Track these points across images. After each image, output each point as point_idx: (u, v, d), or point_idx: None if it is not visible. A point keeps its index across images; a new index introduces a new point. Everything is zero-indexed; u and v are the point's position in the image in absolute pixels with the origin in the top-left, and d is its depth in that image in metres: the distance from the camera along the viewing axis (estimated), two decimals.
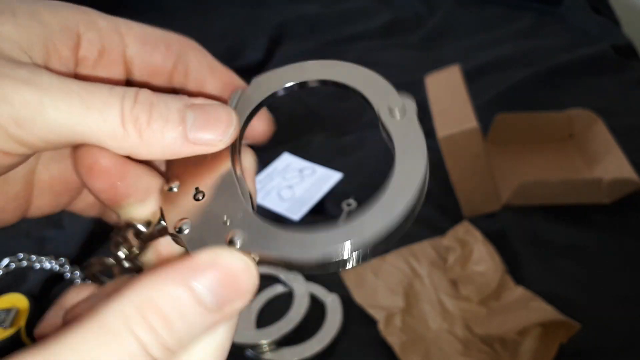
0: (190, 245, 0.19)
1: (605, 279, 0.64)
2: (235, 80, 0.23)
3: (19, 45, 0.19)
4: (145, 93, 0.19)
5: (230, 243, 0.19)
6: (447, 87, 0.76)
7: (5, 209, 0.23)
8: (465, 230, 0.67)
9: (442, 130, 0.69)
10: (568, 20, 1.15)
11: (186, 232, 0.20)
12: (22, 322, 0.59)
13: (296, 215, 0.75)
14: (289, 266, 0.19)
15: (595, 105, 0.82)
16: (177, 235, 0.20)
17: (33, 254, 0.64)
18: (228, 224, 0.20)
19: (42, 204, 0.25)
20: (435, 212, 0.74)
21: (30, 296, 0.61)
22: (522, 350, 0.55)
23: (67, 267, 0.64)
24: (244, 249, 0.19)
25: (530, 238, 0.69)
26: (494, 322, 0.58)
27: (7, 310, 0.59)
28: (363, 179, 0.81)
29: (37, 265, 0.64)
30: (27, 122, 0.17)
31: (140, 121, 0.18)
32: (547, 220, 0.71)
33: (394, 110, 0.22)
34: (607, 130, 0.77)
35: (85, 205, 0.26)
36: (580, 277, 0.64)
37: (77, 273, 0.64)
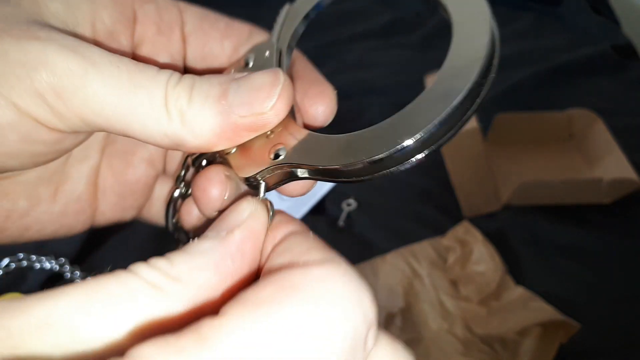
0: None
1: (605, 279, 0.64)
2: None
3: (66, 23, 0.18)
4: (190, 75, 0.17)
5: (276, 157, 0.19)
6: None
7: (67, 211, 0.22)
8: (465, 230, 0.67)
9: None
10: (568, 20, 1.15)
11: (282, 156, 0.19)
12: None
13: (297, 215, 0.75)
14: (347, 170, 0.18)
15: (595, 105, 0.82)
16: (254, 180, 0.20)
17: (33, 254, 0.64)
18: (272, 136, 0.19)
19: (107, 209, 0.23)
20: (435, 212, 0.74)
21: None
22: (522, 350, 0.55)
23: (67, 267, 0.64)
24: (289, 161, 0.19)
25: (530, 238, 0.69)
26: (494, 322, 0.58)
27: None
28: None
29: (37, 265, 0.64)
30: (67, 93, 0.16)
31: (181, 101, 0.16)
32: (547, 220, 0.71)
33: None
34: (607, 130, 0.77)
35: (157, 212, 0.25)
36: (580, 277, 0.64)
37: (77, 273, 0.64)
